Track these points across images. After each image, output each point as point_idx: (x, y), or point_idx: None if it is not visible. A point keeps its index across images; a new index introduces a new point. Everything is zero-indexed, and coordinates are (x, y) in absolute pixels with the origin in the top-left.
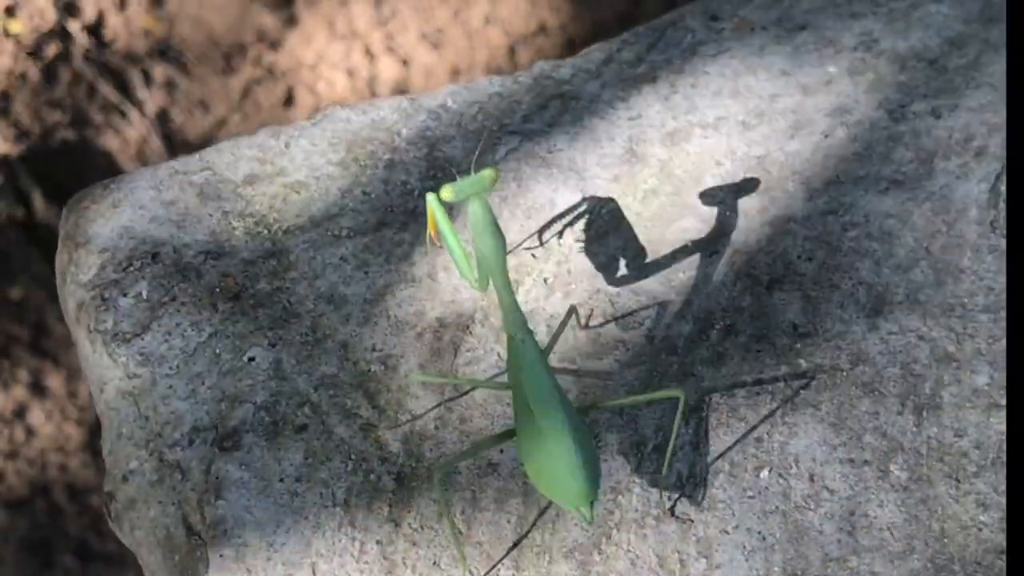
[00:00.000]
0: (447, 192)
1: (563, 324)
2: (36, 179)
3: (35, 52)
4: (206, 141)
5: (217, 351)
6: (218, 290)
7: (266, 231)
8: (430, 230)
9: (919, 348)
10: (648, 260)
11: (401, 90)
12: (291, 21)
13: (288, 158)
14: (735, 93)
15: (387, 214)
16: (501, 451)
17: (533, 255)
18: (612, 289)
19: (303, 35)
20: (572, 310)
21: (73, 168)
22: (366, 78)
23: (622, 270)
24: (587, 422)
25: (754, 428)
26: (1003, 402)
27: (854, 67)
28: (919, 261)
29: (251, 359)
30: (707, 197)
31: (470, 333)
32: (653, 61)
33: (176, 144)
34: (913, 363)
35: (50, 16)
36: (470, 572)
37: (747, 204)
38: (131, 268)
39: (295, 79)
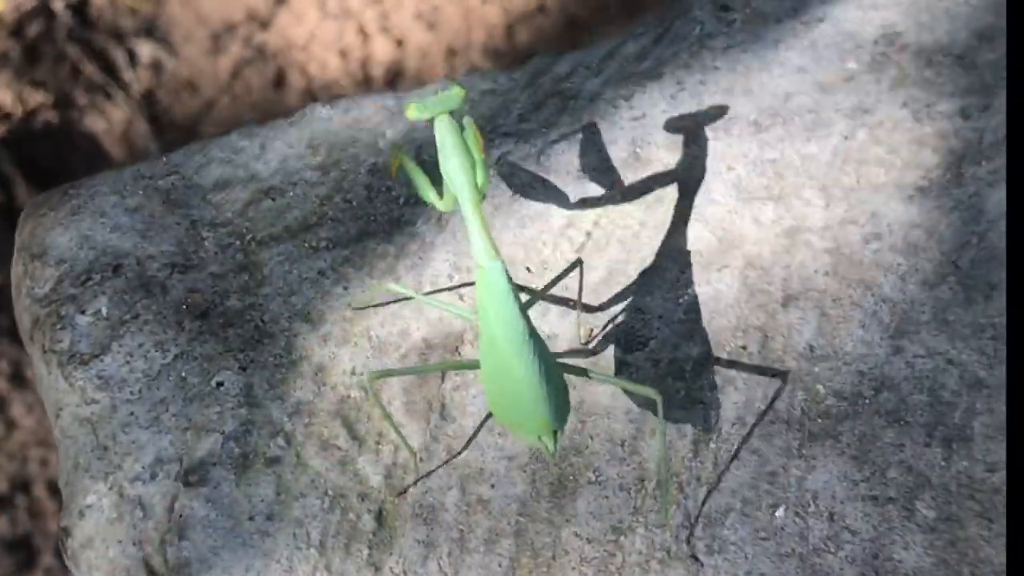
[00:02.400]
0: (412, 110)
1: (566, 272)
2: (18, 163)
3: (17, 31)
4: (194, 123)
5: (183, 374)
6: (185, 307)
7: (238, 242)
8: (391, 170)
9: (947, 373)
10: (652, 274)
11: (396, 71)
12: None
13: (263, 162)
14: (747, 91)
15: (370, 223)
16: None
17: (528, 269)
18: (615, 307)
19: (294, 14)
20: (578, 262)
21: (56, 151)
22: (359, 59)
23: (623, 286)
24: (556, 362)
25: (768, 462)
26: None
27: (876, 63)
28: (947, 277)
29: (220, 384)
30: (717, 205)
31: (459, 355)
32: (659, 56)
33: (163, 126)
34: (941, 389)
35: None
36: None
37: (760, 213)
38: (90, 282)
39: (286, 60)
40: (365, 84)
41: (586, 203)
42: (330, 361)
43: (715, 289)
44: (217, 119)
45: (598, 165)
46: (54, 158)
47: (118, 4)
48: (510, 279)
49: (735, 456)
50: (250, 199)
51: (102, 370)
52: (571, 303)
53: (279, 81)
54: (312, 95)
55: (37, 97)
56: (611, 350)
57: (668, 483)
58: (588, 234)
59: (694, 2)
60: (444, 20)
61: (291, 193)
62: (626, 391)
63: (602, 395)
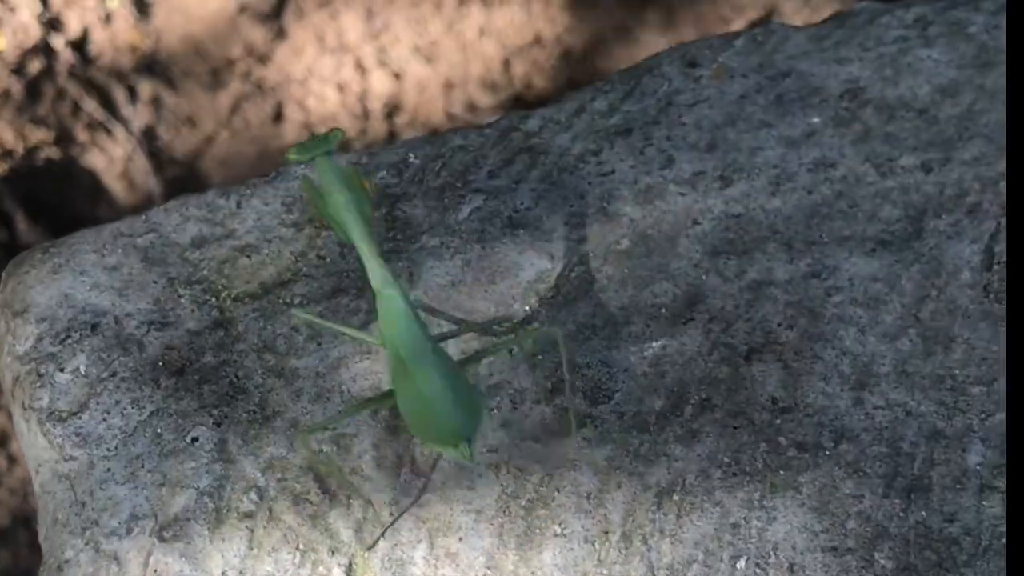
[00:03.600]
0: (293, 154)
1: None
2: (19, 200)
3: (18, 69)
4: (194, 159)
5: (159, 431)
6: (161, 364)
7: (214, 299)
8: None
9: (907, 424)
10: (619, 328)
11: (394, 105)
12: (280, 34)
13: (239, 219)
14: (712, 146)
15: (343, 280)
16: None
17: (498, 327)
18: (581, 360)
19: (292, 48)
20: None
21: (57, 188)
22: (357, 93)
23: (591, 340)
24: (464, 371)
25: (731, 513)
26: (997, 484)
27: (839, 117)
28: (907, 329)
29: (195, 439)
30: (682, 259)
31: None
32: (627, 111)
33: (163, 162)
34: (900, 441)
35: (34, 32)
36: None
37: (724, 267)
38: (69, 340)
39: (284, 94)
40: (363, 118)
41: (555, 258)
42: (303, 417)
43: (680, 343)
44: (216, 154)
45: (567, 220)
46: (55, 195)
47: (118, 41)
48: (408, 302)
49: (698, 508)
50: (226, 256)
51: (80, 427)
52: (561, 377)
53: (278, 116)
54: (310, 129)
55: (38, 134)
56: (577, 402)
57: (572, 398)
58: (557, 288)
59: (663, 59)
60: (441, 54)
61: (266, 250)
62: (527, 344)
63: (568, 448)
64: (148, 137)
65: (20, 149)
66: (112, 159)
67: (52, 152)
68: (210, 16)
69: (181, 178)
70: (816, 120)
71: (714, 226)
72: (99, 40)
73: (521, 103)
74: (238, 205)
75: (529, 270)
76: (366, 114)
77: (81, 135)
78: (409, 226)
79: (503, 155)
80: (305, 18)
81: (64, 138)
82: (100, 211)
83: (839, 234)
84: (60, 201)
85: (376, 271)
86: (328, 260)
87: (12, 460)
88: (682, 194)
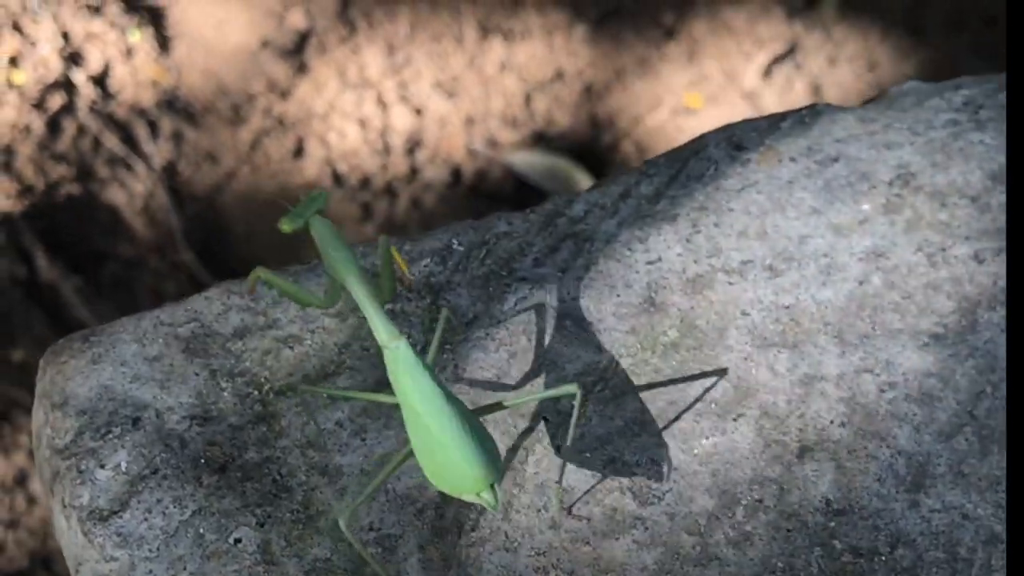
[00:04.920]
0: (286, 224)
1: (439, 330)
2: (39, 236)
3: (39, 104)
4: (214, 194)
5: (201, 531)
6: (203, 461)
7: (256, 392)
8: (248, 287)
9: (964, 528)
10: (668, 424)
11: (415, 141)
12: (301, 69)
13: (281, 308)
14: (761, 234)
15: (387, 372)
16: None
17: (545, 419)
18: (630, 458)
19: (314, 84)
20: (445, 315)
21: (78, 225)
22: (379, 128)
23: (640, 437)
24: (479, 421)
25: None
26: None
27: (890, 204)
28: (963, 427)
29: (237, 540)
30: (732, 352)
31: (475, 509)
32: (673, 196)
33: (184, 198)
34: (957, 546)
35: (55, 66)
36: None
37: (775, 360)
38: (110, 435)
39: (305, 130)
40: (385, 153)
41: (602, 350)
42: (347, 516)
43: (730, 439)
44: (237, 190)
45: (614, 311)
46: (75, 231)
47: (139, 76)
48: (416, 353)
49: None
50: (269, 347)
51: (121, 527)
52: (605, 475)
53: (298, 151)
54: (331, 165)
55: (59, 170)
56: (627, 502)
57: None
58: (604, 381)
59: (709, 141)
60: (462, 89)
61: (309, 341)
62: (548, 400)
63: (617, 551)
64: (169, 173)
65: (41, 185)
66: (132, 195)
67: (72, 188)
68: (231, 51)
69: (201, 214)
70: (866, 207)
71: (764, 317)
72: (120, 75)
73: (542, 139)
74: (280, 294)
75: (576, 363)
76: (387, 150)
77: (102, 171)
78: (453, 316)
79: (548, 242)
80: (327, 53)
81: (85, 174)
82: (120, 247)
83: (891, 326)
84: (80, 237)
85: (380, 325)
86: (372, 352)
87: (31, 501)
88: (731, 283)
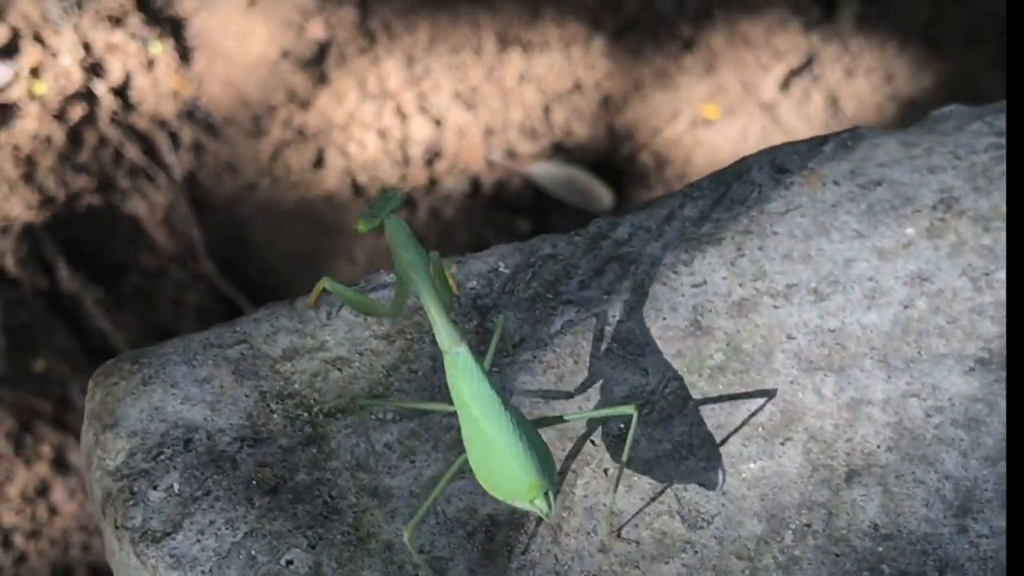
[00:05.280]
0: (363, 224)
1: (497, 335)
2: (61, 247)
3: (60, 115)
4: (234, 205)
5: (253, 553)
6: (254, 483)
7: (306, 414)
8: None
9: None
10: (716, 447)
11: (434, 152)
12: (321, 80)
13: (330, 330)
14: (806, 257)
15: (435, 395)
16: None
17: (592, 442)
18: (679, 481)
19: (334, 94)
20: (502, 322)
21: (99, 236)
22: (398, 139)
23: (688, 460)
24: (536, 430)
25: None
26: None
27: (934, 228)
28: None
29: (289, 562)
30: (778, 376)
31: (525, 532)
32: (718, 219)
33: (204, 208)
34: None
35: (76, 77)
36: None
37: (822, 384)
38: (162, 456)
39: (325, 140)
40: (404, 164)
41: (649, 373)
42: (398, 538)
43: (778, 463)
44: (257, 201)
45: (660, 334)
46: (96, 242)
47: (160, 87)
48: (476, 359)
49: None
50: (318, 369)
51: (174, 548)
52: (652, 497)
53: (319, 162)
54: (351, 175)
55: (80, 181)
56: (676, 526)
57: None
58: (652, 404)
59: (752, 164)
60: (481, 100)
61: (357, 363)
62: (602, 419)
63: None
64: (189, 183)
65: (62, 196)
66: (154, 206)
67: (94, 199)
68: (252, 62)
69: (222, 224)
70: (910, 231)
71: (809, 341)
72: (141, 86)
73: (561, 150)
74: (328, 316)
75: (623, 385)
76: (406, 160)
77: (123, 181)
78: (501, 339)
79: (593, 264)
80: (347, 64)
81: (106, 185)
82: (141, 258)
83: (937, 351)
84: (102, 248)
85: (443, 329)
86: (420, 374)
87: (53, 511)
88: (776, 307)
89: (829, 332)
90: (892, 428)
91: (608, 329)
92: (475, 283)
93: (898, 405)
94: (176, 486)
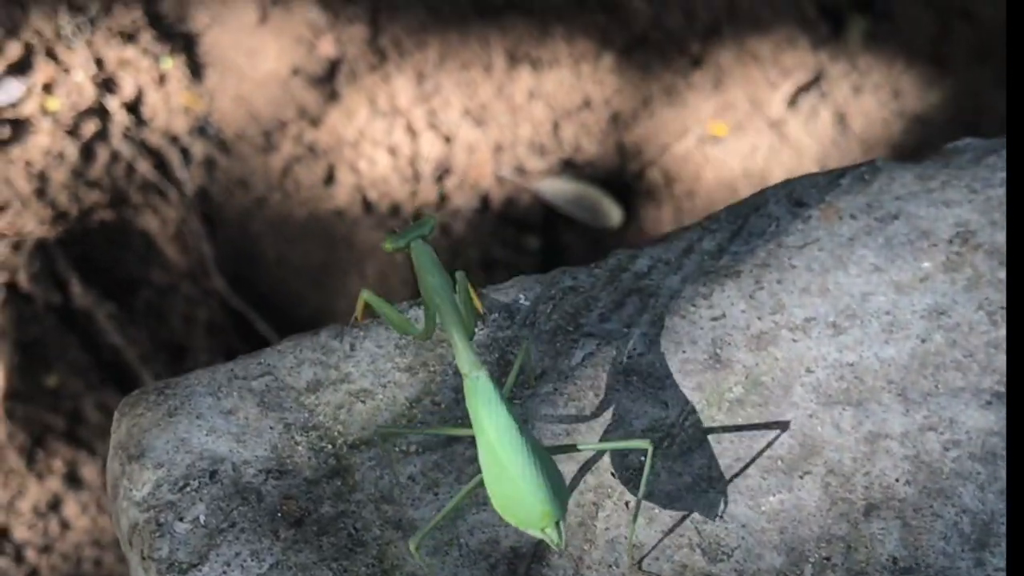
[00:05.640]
0: (389, 243)
1: (519, 361)
2: (73, 263)
3: (73, 130)
4: (245, 221)
5: None
6: (280, 514)
7: (330, 446)
8: (358, 314)
9: None
10: (736, 480)
11: (444, 168)
12: (332, 97)
13: (353, 362)
14: (824, 291)
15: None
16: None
17: (613, 474)
18: (698, 515)
19: (344, 111)
20: (526, 347)
21: (111, 251)
22: (408, 156)
23: (708, 493)
24: (551, 457)
25: None
26: None
27: (950, 262)
28: None
29: None
30: (797, 409)
31: (547, 565)
32: (736, 252)
33: (215, 224)
34: None
35: (88, 93)
36: None
37: (840, 418)
38: (188, 488)
39: (336, 157)
40: (414, 181)
41: (669, 406)
42: (421, 571)
43: (797, 496)
44: (268, 217)
45: (680, 367)
46: (108, 257)
47: (172, 103)
48: (496, 385)
49: None
50: (342, 401)
51: None
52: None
53: (329, 178)
54: (361, 192)
55: (92, 196)
56: (697, 559)
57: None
58: (671, 438)
59: (769, 197)
60: (491, 117)
61: (380, 395)
62: (618, 452)
63: None
64: (201, 199)
65: (74, 211)
66: (165, 221)
67: (106, 214)
68: (263, 78)
69: (233, 240)
70: (927, 265)
71: (828, 374)
72: (153, 102)
73: (570, 166)
74: (352, 348)
75: (643, 418)
76: (416, 177)
77: (135, 197)
78: (521, 371)
79: (613, 296)
80: (357, 81)
81: (118, 200)
82: (153, 274)
83: (954, 385)
84: (114, 263)
85: (464, 354)
86: (443, 406)
87: (65, 526)
88: (795, 340)
89: (847, 366)
90: (910, 462)
91: (628, 362)
92: (496, 315)
93: (916, 439)
94: (202, 518)
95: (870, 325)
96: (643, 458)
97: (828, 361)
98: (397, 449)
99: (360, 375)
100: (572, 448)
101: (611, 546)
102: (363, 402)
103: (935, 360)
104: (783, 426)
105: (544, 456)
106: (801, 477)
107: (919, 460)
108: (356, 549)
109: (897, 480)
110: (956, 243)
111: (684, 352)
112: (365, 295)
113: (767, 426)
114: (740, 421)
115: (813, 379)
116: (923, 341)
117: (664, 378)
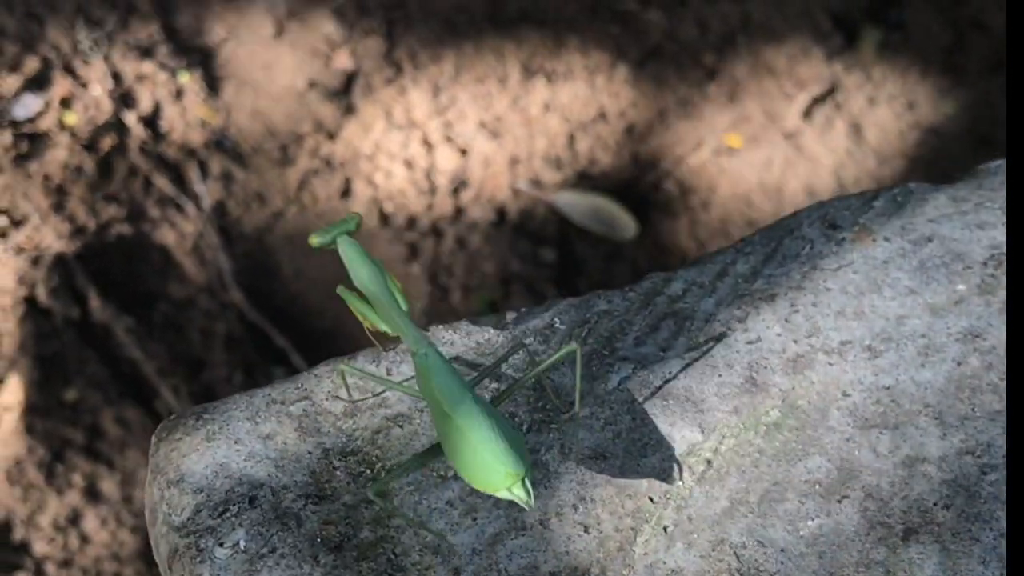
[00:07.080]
0: (315, 238)
1: (503, 358)
2: (92, 277)
3: (91, 145)
4: (262, 234)
5: None
6: (319, 540)
7: (368, 471)
8: (366, 325)
9: None
10: (774, 504)
11: (460, 181)
12: (349, 110)
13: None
14: (859, 314)
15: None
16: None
17: (651, 499)
18: (737, 539)
19: (361, 124)
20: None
21: (129, 265)
22: (424, 168)
23: (746, 518)
24: (504, 414)
25: None
26: None
27: (985, 285)
28: None
29: None
30: (834, 433)
31: None
32: (770, 275)
33: (233, 238)
34: None
35: (106, 108)
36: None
37: (877, 441)
38: (228, 513)
39: (352, 170)
40: (430, 193)
41: (706, 431)
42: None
43: (836, 521)
44: (285, 230)
45: (716, 391)
46: (126, 271)
47: (189, 117)
48: (443, 357)
49: None
50: (379, 426)
51: None
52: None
53: (346, 191)
54: (377, 204)
55: (110, 210)
56: None
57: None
58: (708, 462)
59: (803, 219)
60: (506, 129)
61: (417, 420)
62: (551, 368)
63: None
64: (218, 213)
65: (92, 225)
66: (183, 235)
67: (124, 228)
68: (279, 92)
69: (250, 254)
70: (961, 287)
71: (864, 398)
72: (170, 116)
73: (585, 179)
74: (388, 372)
75: (680, 443)
76: (433, 189)
77: (152, 211)
78: (558, 395)
79: (648, 320)
80: (373, 94)
81: (136, 214)
82: (171, 287)
83: (990, 408)
84: (131, 277)
85: (410, 333)
86: None
87: (84, 539)
88: (831, 364)
89: (884, 389)
90: (948, 486)
91: (664, 386)
92: (531, 339)
93: (953, 463)
94: (242, 543)
95: (906, 348)
96: (574, 362)
97: (864, 384)
98: (434, 474)
99: (396, 400)
100: (515, 387)
101: (650, 571)
102: (400, 427)
103: (971, 383)
104: (820, 450)
105: (500, 418)
106: (839, 501)
107: (957, 484)
108: (395, 574)
109: (935, 504)
110: (991, 265)
111: (720, 376)
112: (339, 290)
113: (804, 450)
114: (777, 445)
115: (850, 403)
116: (959, 364)
117: (700, 402)
